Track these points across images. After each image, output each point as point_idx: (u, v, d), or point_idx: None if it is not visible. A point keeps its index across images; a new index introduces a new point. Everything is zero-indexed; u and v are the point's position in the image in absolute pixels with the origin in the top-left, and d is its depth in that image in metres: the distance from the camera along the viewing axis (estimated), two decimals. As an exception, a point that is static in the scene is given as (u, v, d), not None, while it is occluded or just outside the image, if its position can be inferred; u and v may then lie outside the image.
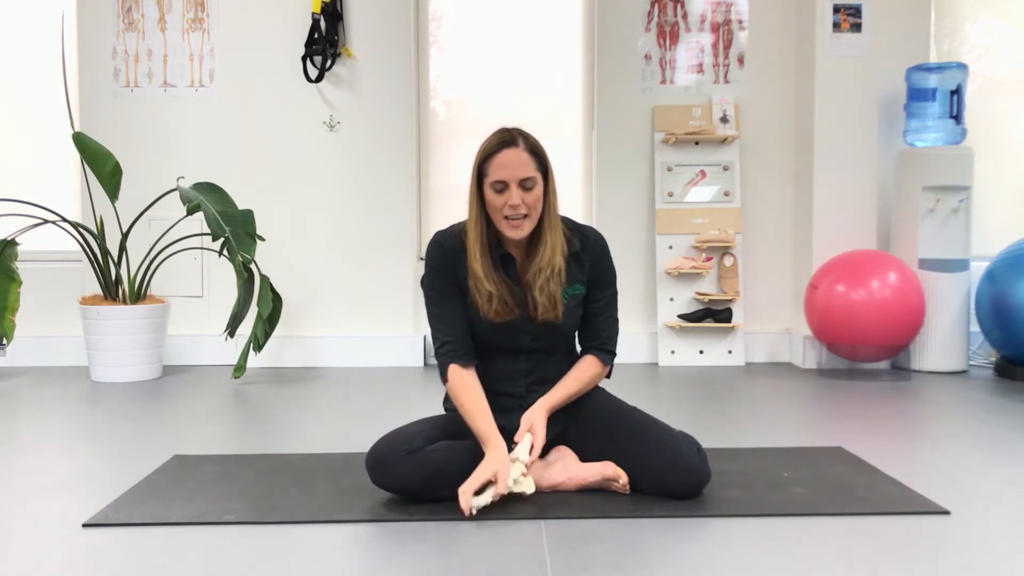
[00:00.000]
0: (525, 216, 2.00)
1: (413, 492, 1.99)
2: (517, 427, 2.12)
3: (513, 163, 1.98)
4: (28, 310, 4.11)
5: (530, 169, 1.99)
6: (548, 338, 2.13)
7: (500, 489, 1.89)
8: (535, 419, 2.04)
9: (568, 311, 2.11)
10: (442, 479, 1.97)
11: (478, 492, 1.91)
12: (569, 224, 2.13)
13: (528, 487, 1.94)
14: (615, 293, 2.19)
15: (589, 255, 2.13)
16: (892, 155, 4.18)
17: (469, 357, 2.09)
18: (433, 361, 4.30)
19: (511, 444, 2.08)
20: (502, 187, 1.98)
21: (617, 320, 2.20)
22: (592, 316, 2.17)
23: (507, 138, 2.01)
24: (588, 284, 2.14)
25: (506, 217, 2.00)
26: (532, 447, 1.99)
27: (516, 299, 2.08)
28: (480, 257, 2.04)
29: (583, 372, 2.14)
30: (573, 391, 2.12)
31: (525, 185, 1.98)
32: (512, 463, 1.94)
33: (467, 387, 2.05)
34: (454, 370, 2.07)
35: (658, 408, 3.13)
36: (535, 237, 2.06)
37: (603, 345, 2.17)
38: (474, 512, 1.88)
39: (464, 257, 2.07)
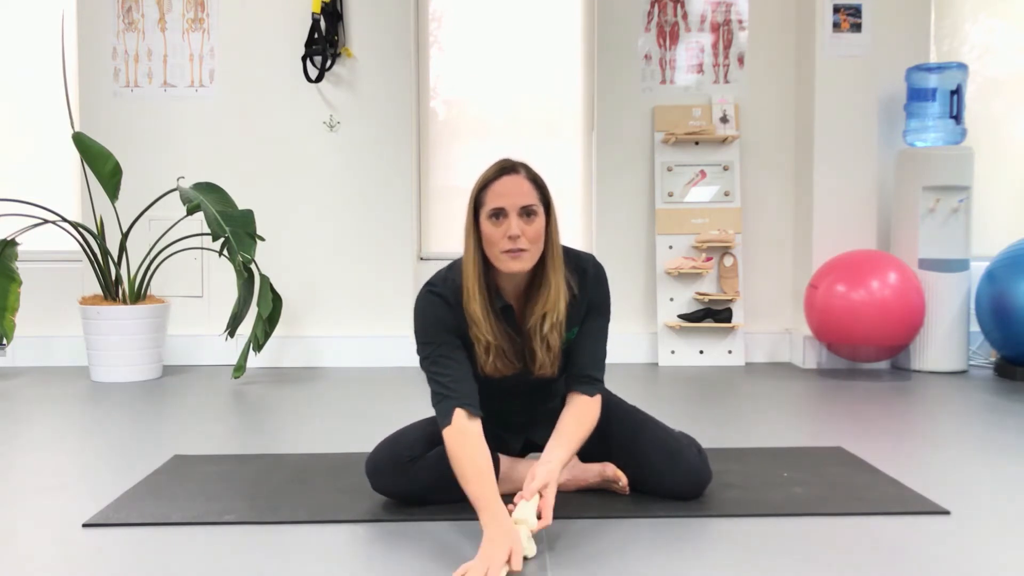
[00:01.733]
0: (524, 250, 1.80)
1: (416, 499, 1.97)
2: (519, 446, 2.10)
3: (513, 190, 1.80)
4: (28, 310, 4.11)
5: (532, 197, 1.81)
6: (549, 384, 2.04)
7: (516, 567, 1.59)
8: (550, 480, 1.76)
9: (564, 357, 1.97)
10: (445, 485, 1.90)
11: None
12: (567, 256, 1.94)
13: (531, 550, 1.69)
14: (607, 323, 2.00)
15: (588, 291, 1.96)
16: (892, 155, 4.18)
17: (477, 406, 1.83)
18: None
19: (507, 450, 2.08)
20: (500, 216, 1.80)
21: (605, 349, 1.99)
22: (580, 346, 1.97)
23: (507, 166, 1.84)
24: (583, 315, 1.98)
25: (506, 250, 1.80)
26: (540, 514, 1.72)
27: (516, 351, 1.93)
28: (478, 299, 1.84)
29: (582, 418, 1.91)
30: (579, 442, 1.89)
31: (525, 214, 1.80)
32: (517, 524, 1.68)
33: (469, 442, 1.78)
34: (459, 417, 1.80)
35: (658, 408, 3.13)
36: (536, 279, 1.88)
37: (588, 373, 1.96)
38: None
39: (460, 306, 1.87)
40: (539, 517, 1.72)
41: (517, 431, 2.11)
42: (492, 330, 1.87)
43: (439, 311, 1.88)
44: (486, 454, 1.79)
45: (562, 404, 1.99)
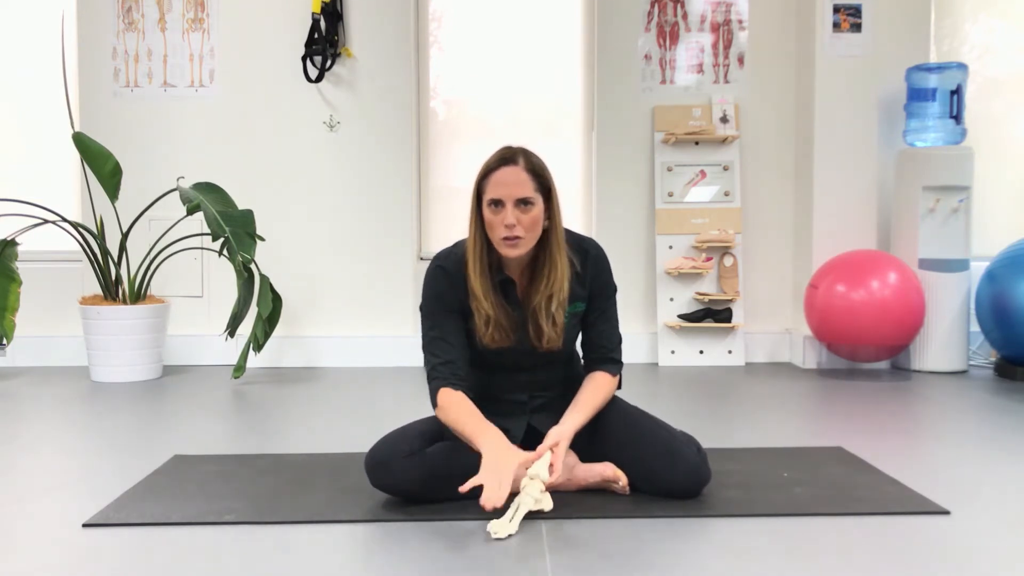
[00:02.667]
0: (520, 238, 1.94)
1: (413, 494, 1.98)
2: (521, 432, 2.12)
3: (510, 181, 1.93)
4: (28, 310, 4.11)
5: (528, 189, 1.94)
6: (547, 357, 2.11)
7: (532, 459, 1.86)
8: (562, 439, 1.93)
9: (568, 330, 2.09)
10: (442, 481, 1.96)
11: (500, 512, 1.82)
12: (569, 238, 2.07)
13: (547, 504, 1.88)
14: (615, 304, 2.16)
15: (590, 270, 2.09)
16: (892, 155, 4.17)
17: (461, 382, 2.01)
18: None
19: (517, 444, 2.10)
20: (498, 206, 1.94)
21: (619, 330, 2.17)
22: (594, 329, 2.13)
23: (507, 156, 1.96)
24: (588, 298, 2.11)
25: (503, 238, 1.94)
26: (552, 468, 1.88)
27: (513, 324, 2.04)
28: (479, 276, 1.99)
29: (598, 389, 2.08)
30: (593, 409, 2.05)
31: (521, 205, 1.93)
32: (531, 481, 1.86)
33: (455, 404, 1.96)
34: (444, 394, 1.98)
35: (658, 408, 3.13)
36: (540, 260, 2.02)
37: (608, 355, 2.13)
38: (508, 533, 1.79)
39: (464, 276, 2.02)
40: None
41: (518, 414, 2.13)
42: (491, 304, 2.00)
43: (440, 285, 2.04)
44: (473, 406, 1.96)
45: (563, 391, 2.13)
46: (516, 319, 2.04)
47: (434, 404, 2.01)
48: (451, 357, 2.02)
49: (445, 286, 2.03)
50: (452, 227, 4.44)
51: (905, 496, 2.06)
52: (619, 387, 2.17)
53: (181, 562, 1.68)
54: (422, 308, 2.07)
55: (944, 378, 3.81)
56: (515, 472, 1.82)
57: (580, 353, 2.26)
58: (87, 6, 4.27)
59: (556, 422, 2.05)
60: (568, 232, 2.08)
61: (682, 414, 3.09)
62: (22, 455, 2.55)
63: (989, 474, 2.28)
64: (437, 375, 2.01)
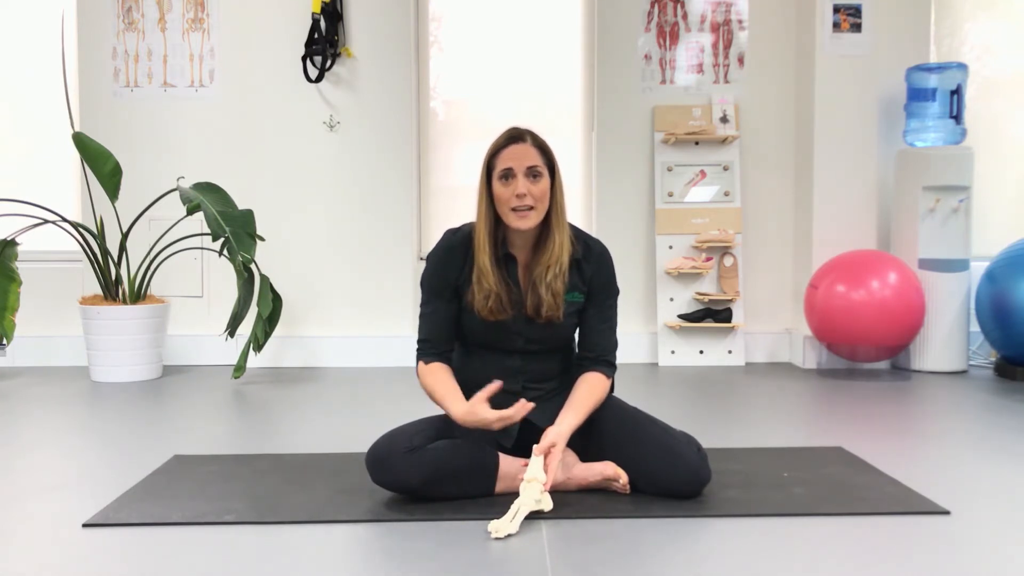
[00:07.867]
0: (531, 208, 2.02)
1: (413, 490, 1.99)
2: (516, 427, 2.12)
3: (520, 155, 2.02)
4: (28, 310, 4.11)
5: (537, 160, 2.03)
6: (543, 341, 2.14)
7: (510, 414, 1.94)
8: (559, 440, 1.96)
9: (566, 315, 2.12)
10: (442, 477, 1.97)
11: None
12: (575, 231, 2.14)
13: (547, 504, 1.90)
14: (615, 306, 2.18)
15: (592, 265, 2.13)
16: (892, 155, 4.18)
17: (439, 358, 2.12)
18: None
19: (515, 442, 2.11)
20: (509, 176, 2.01)
21: (616, 333, 2.19)
22: (592, 328, 2.16)
23: (515, 135, 2.06)
24: (588, 295, 2.15)
25: (513, 209, 2.01)
26: (547, 469, 1.91)
27: (512, 299, 2.09)
28: (487, 251, 2.06)
29: (593, 389, 2.10)
30: (588, 410, 2.07)
31: (532, 173, 2.02)
32: (529, 483, 1.89)
33: (433, 374, 2.08)
34: (421, 365, 2.12)
35: (658, 408, 3.13)
36: (542, 235, 2.09)
37: (603, 357, 2.15)
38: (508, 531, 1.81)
39: (470, 253, 2.09)
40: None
41: (511, 405, 2.12)
42: (494, 278, 2.07)
43: (443, 259, 2.11)
44: (449, 378, 2.08)
45: (559, 387, 2.16)
46: (515, 294, 2.09)
47: (417, 368, 2.14)
48: (434, 334, 2.12)
49: (444, 255, 2.11)
50: (452, 227, 4.43)
51: (905, 496, 2.06)
52: (611, 391, 2.18)
53: (181, 562, 1.68)
54: (422, 280, 2.15)
55: (944, 378, 3.82)
56: (486, 417, 1.94)
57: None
58: (87, 6, 4.27)
59: (552, 416, 2.06)
60: (576, 228, 2.15)
61: (682, 414, 3.09)
62: (22, 455, 2.55)
63: (989, 474, 2.28)
64: (420, 348, 2.14)
